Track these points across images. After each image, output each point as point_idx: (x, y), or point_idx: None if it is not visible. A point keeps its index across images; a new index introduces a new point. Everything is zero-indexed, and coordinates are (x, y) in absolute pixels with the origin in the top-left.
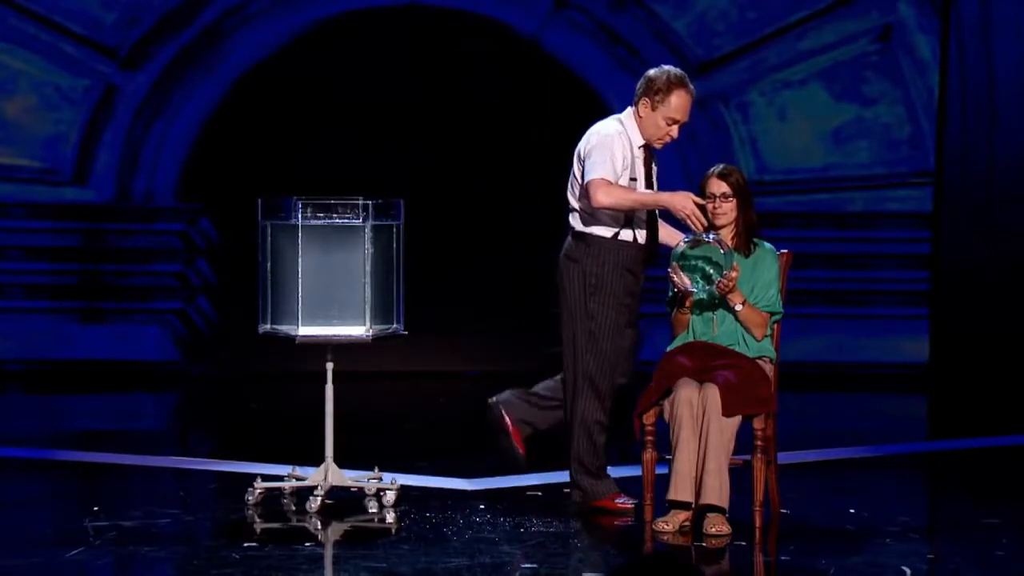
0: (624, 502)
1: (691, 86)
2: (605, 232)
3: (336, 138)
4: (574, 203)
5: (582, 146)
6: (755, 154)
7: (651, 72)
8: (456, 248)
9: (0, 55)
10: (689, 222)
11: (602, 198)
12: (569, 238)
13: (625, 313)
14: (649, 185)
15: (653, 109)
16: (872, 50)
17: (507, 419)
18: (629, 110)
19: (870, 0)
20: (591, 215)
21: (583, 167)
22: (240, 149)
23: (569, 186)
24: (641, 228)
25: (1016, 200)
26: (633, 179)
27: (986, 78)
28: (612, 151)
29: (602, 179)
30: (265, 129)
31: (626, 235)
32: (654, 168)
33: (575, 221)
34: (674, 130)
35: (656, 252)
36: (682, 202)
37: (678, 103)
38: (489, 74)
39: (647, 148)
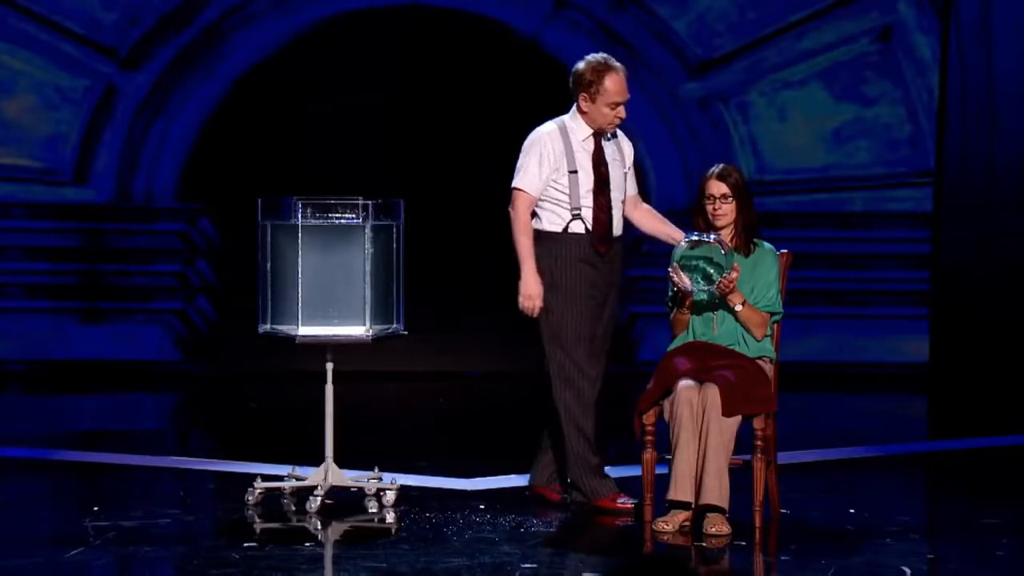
0: (624, 502)
1: (617, 64)
2: (555, 227)
3: (336, 138)
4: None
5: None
6: (755, 154)
7: (576, 67)
8: (456, 248)
9: (0, 55)
10: (522, 303)
11: (512, 211)
12: None
13: (588, 303)
14: (598, 175)
15: (593, 101)
16: (872, 50)
17: (543, 492)
18: (572, 108)
19: (870, 0)
20: (541, 212)
21: None
22: (240, 149)
23: None
24: (588, 215)
25: (1016, 201)
26: (573, 171)
27: (986, 78)
28: (539, 153)
29: (520, 190)
30: (265, 129)
31: (576, 227)
32: (608, 157)
33: (534, 220)
34: (620, 111)
35: (609, 235)
36: (521, 295)
37: (613, 87)
38: (489, 74)
39: (596, 137)
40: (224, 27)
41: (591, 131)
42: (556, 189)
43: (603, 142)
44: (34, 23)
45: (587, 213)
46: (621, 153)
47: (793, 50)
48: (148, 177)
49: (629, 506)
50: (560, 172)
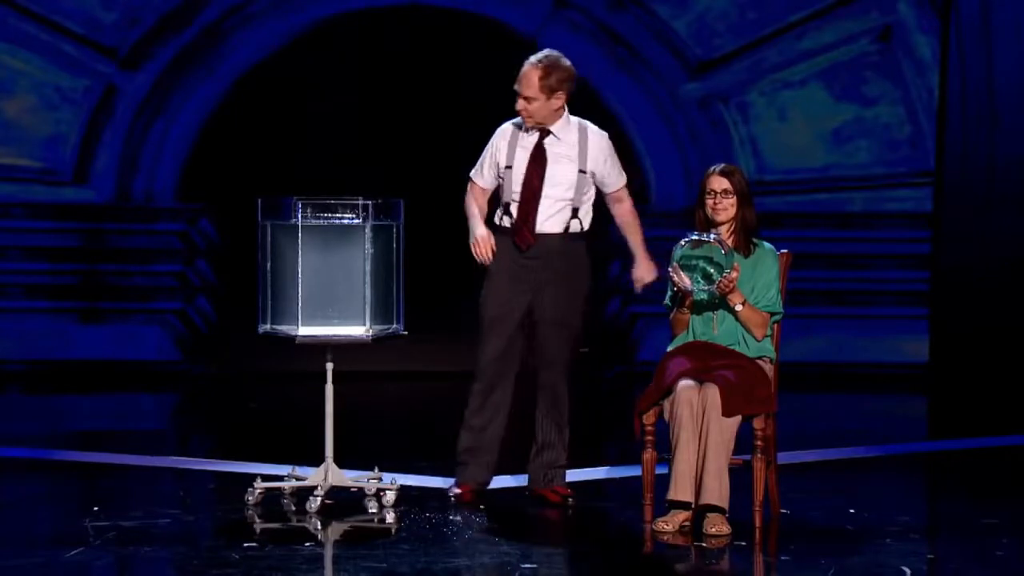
0: (457, 493)
1: (530, 59)
2: (496, 220)
3: (336, 138)
4: None
5: None
6: (755, 154)
7: None
8: (456, 248)
9: (0, 55)
10: (474, 250)
11: (468, 196)
12: None
13: (504, 290)
14: (530, 173)
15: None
16: (872, 50)
17: (543, 493)
18: None
19: (870, 0)
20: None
21: None
22: (240, 149)
23: None
24: (514, 209)
25: (1016, 200)
26: (508, 167)
27: (986, 78)
28: (491, 145)
29: (470, 179)
30: (265, 129)
31: (505, 221)
32: (552, 154)
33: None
34: (520, 103)
35: (529, 231)
36: (470, 245)
37: (519, 78)
38: (489, 74)
39: (541, 134)
40: (224, 27)
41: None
42: (500, 184)
43: (552, 139)
44: (34, 23)
45: (511, 207)
46: (581, 152)
47: (793, 50)
48: (148, 177)
49: (454, 494)
50: (501, 167)
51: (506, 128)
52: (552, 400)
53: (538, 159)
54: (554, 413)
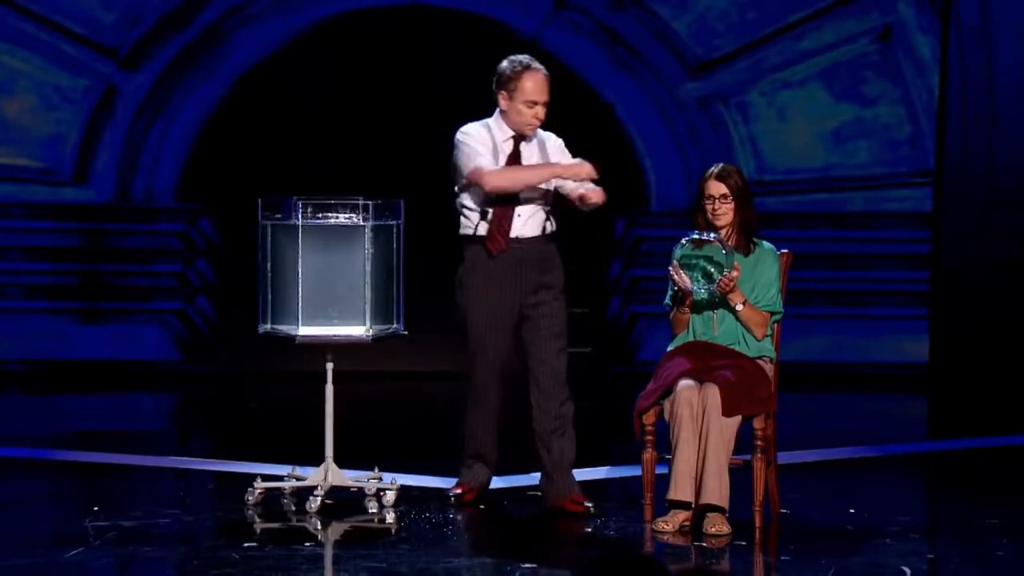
0: (458, 493)
1: (538, 66)
2: (468, 230)
3: (336, 138)
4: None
5: (453, 151)
6: (755, 154)
7: (499, 66)
8: (456, 248)
9: (0, 55)
10: (583, 168)
11: (494, 181)
12: None
13: (494, 304)
14: None
15: (511, 99)
16: (872, 50)
17: (562, 504)
18: (496, 110)
19: (870, 0)
20: (460, 216)
21: (456, 168)
22: (240, 149)
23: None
24: (495, 222)
25: (1016, 200)
26: None
27: (986, 78)
28: (477, 142)
29: (480, 167)
30: (265, 129)
31: (483, 229)
32: (524, 160)
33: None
34: (538, 111)
35: (504, 241)
36: (576, 169)
37: (531, 86)
38: (489, 74)
39: (516, 141)
40: (224, 27)
41: (511, 133)
42: (470, 192)
43: (522, 146)
44: (34, 23)
45: (493, 216)
46: (544, 156)
47: (793, 50)
48: (148, 177)
49: (454, 495)
50: None
51: (478, 131)
52: (550, 398)
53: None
54: (556, 411)
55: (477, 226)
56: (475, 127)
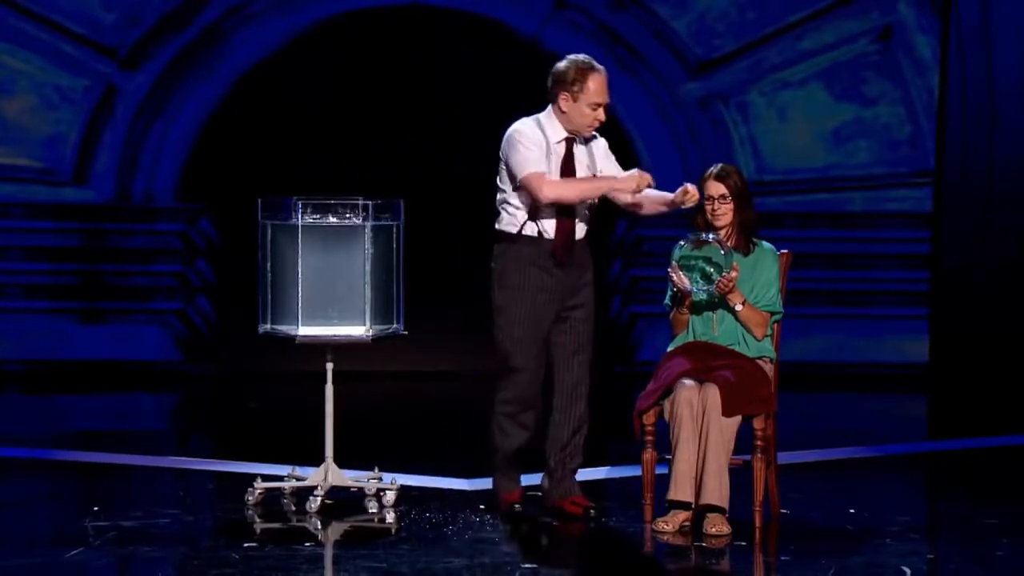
0: (517, 506)
1: (600, 66)
2: (510, 228)
3: (336, 138)
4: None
5: (503, 146)
6: (755, 154)
7: (558, 66)
8: (456, 248)
9: (0, 55)
10: (638, 179)
11: (548, 192)
12: None
13: (537, 308)
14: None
15: (575, 100)
16: (872, 50)
17: (562, 504)
18: (548, 108)
19: (870, 0)
20: (501, 212)
21: (507, 168)
22: (240, 149)
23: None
24: (549, 220)
25: (1016, 200)
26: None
27: (986, 78)
28: (530, 144)
29: (536, 174)
30: (265, 129)
31: (530, 229)
32: (577, 162)
33: (497, 218)
34: (600, 113)
35: (571, 247)
36: (629, 183)
37: (595, 87)
38: (489, 74)
39: (569, 143)
40: (224, 27)
41: (565, 134)
42: (520, 193)
43: (575, 148)
44: (34, 23)
45: (548, 218)
46: (592, 159)
47: (793, 50)
48: (148, 177)
49: (514, 504)
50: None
51: (532, 131)
52: (570, 411)
53: (571, 170)
54: (573, 426)
55: (523, 225)
56: (528, 126)
